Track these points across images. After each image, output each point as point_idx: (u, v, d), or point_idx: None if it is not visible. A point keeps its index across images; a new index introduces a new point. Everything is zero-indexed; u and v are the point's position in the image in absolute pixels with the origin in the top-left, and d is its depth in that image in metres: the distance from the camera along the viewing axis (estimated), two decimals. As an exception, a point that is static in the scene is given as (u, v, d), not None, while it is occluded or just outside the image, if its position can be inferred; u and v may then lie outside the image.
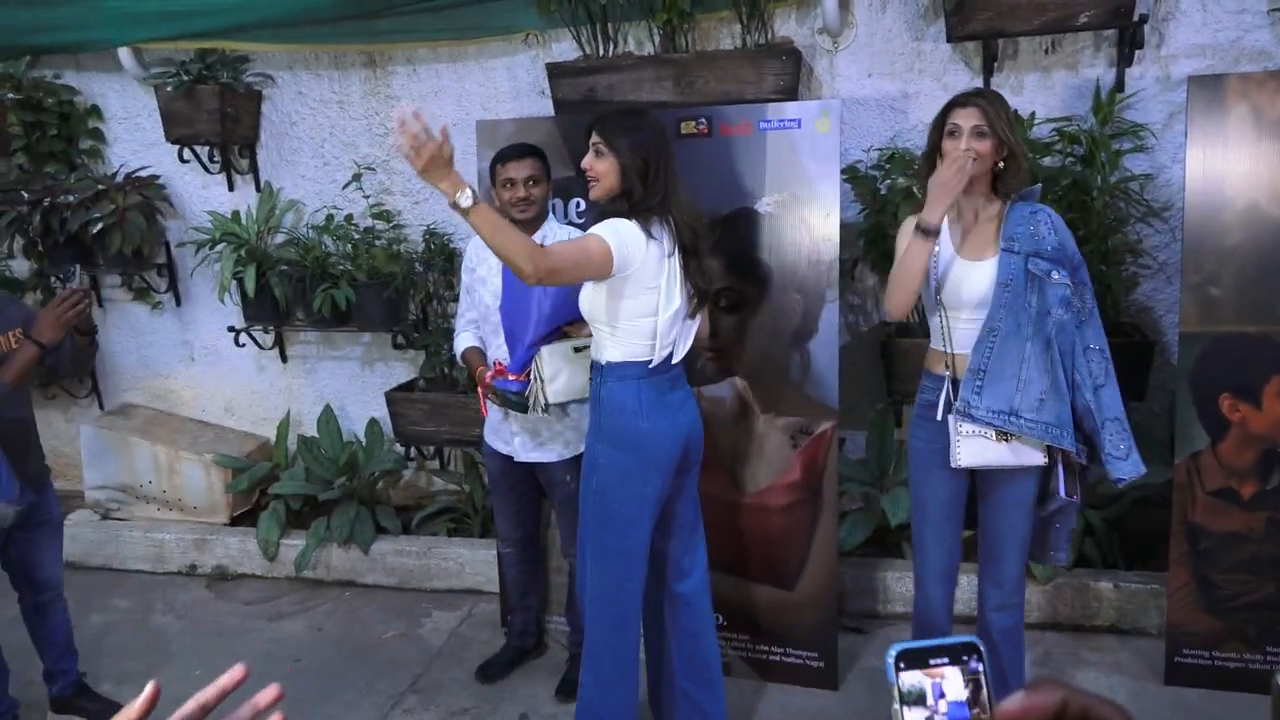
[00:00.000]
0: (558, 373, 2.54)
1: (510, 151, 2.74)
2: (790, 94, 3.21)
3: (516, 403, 2.59)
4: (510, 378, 2.62)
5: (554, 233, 2.78)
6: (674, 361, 2.35)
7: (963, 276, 2.30)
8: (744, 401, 2.99)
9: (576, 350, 2.62)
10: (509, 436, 2.84)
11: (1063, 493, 2.31)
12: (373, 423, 4.07)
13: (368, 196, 3.78)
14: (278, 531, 3.85)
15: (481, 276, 2.79)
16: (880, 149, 3.28)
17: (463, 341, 2.90)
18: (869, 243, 3.26)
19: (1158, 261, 3.27)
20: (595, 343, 2.36)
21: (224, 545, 3.94)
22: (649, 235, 2.22)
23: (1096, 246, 3.09)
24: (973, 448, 2.28)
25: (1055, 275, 2.23)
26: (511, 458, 2.85)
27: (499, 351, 2.77)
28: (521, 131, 3.13)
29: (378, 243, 3.75)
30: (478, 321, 2.88)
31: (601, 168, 2.25)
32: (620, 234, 2.19)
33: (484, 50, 3.68)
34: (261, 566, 3.89)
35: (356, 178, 3.72)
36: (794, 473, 2.96)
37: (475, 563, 3.67)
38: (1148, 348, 3.14)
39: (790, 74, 3.20)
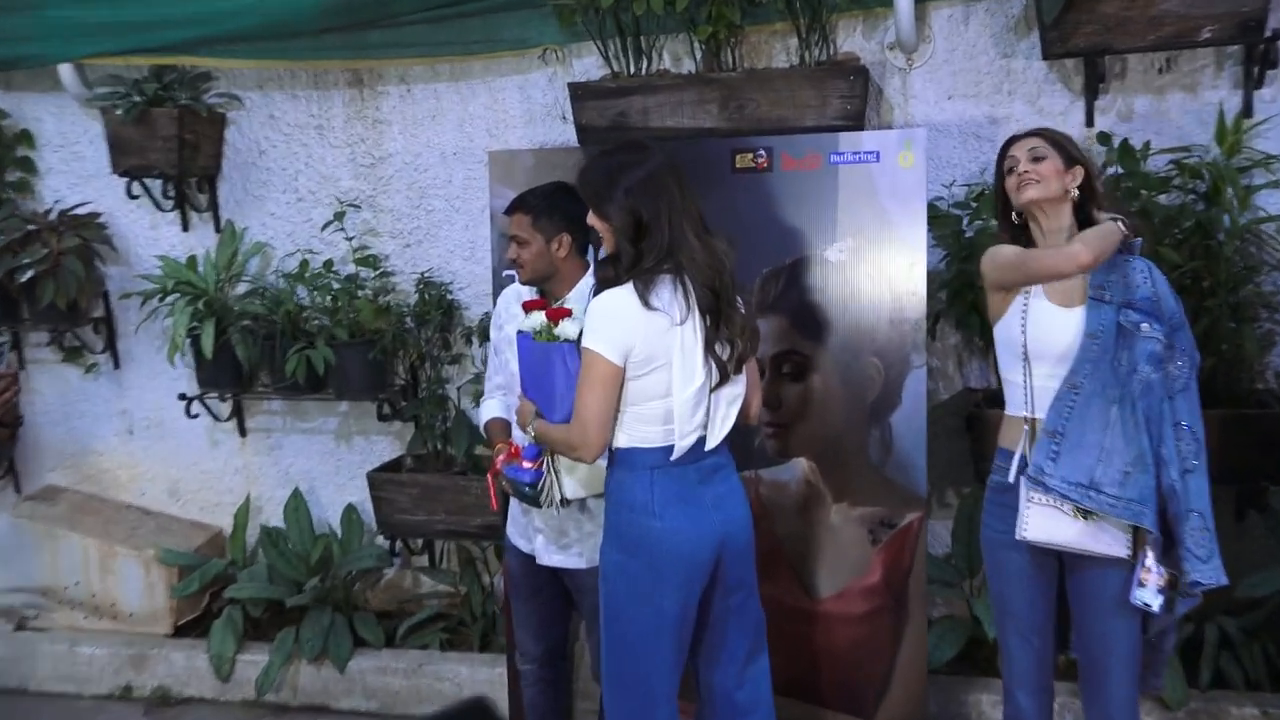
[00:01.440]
0: (576, 463, 2.51)
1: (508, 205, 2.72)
2: (857, 119, 3.22)
3: (529, 495, 2.57)
4: (525, 465, 2.57)
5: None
6: (708, 448, 2.32)
7: (1049, 323, 2.36)
8: (812, 487, 2.99)
9: None
10: (530, 533, 2.79)
11: (1144, 594, 2.26)
12: (350, 510, 4.03)
13: (350, 239, 3.79)
14: (233, 645, 3.78)
15: (509, 336, 2.77)
16: (965, 184, 3.29)
17: (488, 410, 2.87)
18: (953, 294, 3.26)
19: (1298, 317, 3.26)
20: None
21: (167, 662, 3.87)
22: (646, 305, 2.20)
23: (1224, 299, 3.08)
24: (1043, 520, 2.30)
25: (1146, 327, 2.28)
26: (534, 558, 2.80)
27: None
28: (542, 164, 3.15)
29: (361, 293, 3.75)
30: (505, 388, 2.85)
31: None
32: (603, 331, 2.21)
33: (492, 67, 3.72)
34: (213, 688, 3.81)
35: (338, 216, 3.73)
36: (873, 574, 2.95)
37: (476, 683, 3.60)
38: (1289, 419, 3.12)
39: (858, 96, 3.21)
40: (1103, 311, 2.30)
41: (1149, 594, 2.25)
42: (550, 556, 2.75)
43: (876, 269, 2.89)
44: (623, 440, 2.29)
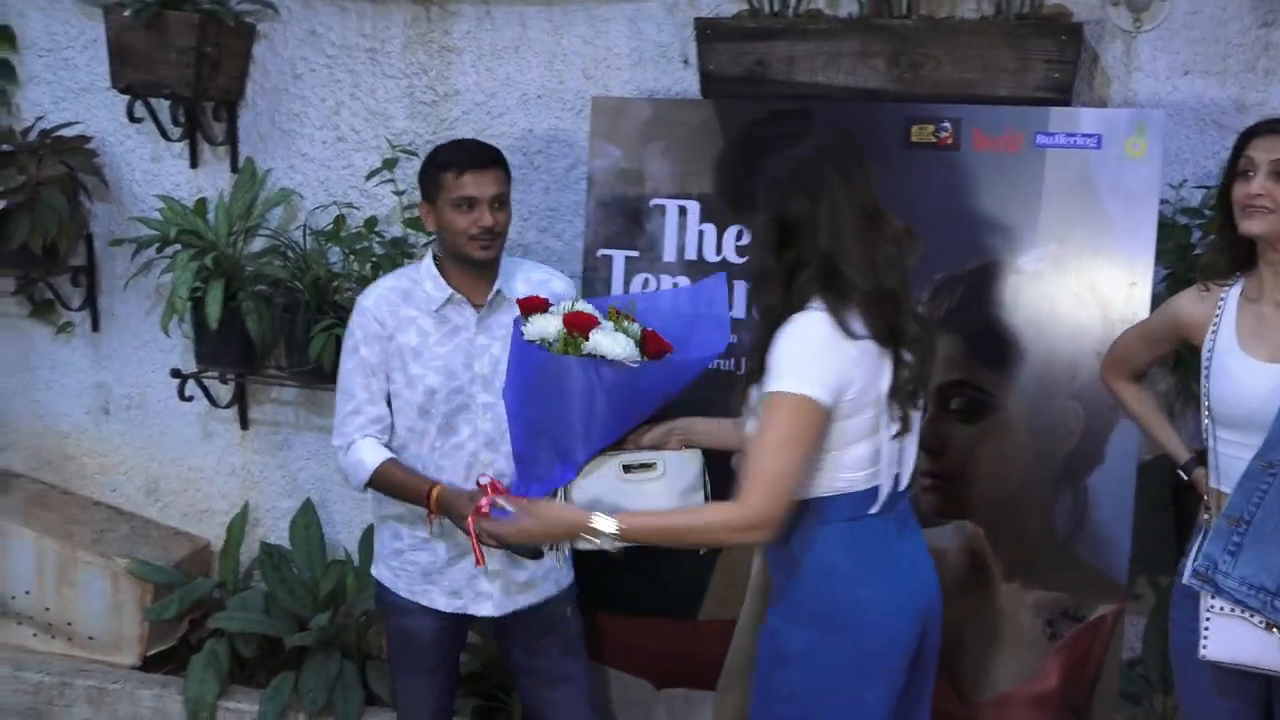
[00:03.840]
0: (593, 505, 2.44)
1: (466, 158, 2.79)
2: (1063, 91, 3.13)
3: (528, 549, 2.58)
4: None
5: (523, 278, 2.88)
6: (900, 489, 2.34)
7: (1240, 379, 2.32)
8: (977, 559, 2.95)
9: (628, 470, 2.54)
10: (467, 585, 2.86)
11: None
12: (371, 532, 3.91)
13: (400, 193, 3.73)
14: (216, 688, 3.76)
15: (411, 346, 2.80)
16: (1201, 185, 3.18)
17: (371, 454, 2.82)
18: (1171, 325, 3.14)
19: None
20: None
21: (131, 700, 3.85)
22: (848, 333, 2.17)
23: None
24: (1229, 633, 2.28)
25: None
26: (458, 617, 2.88)
27: (448, 463, 2.80)
28: (661, 118, 3.12)
29: (408, 262, 3.67)
30: (385, 422, 2.86)
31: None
32: (809, 370, 2.15)
33: (596, -8, 3.66)
34: (186, 739, 3.79)
35: (388, 164, 3.68)
36: (1048, 678, 2.89)
37: (514, 763, 3.53)
38: None
39: (1069, 62, 3.12)
40: None
41: None
42: (515, 601, 2.87)
43: (1085, 285, 2.83)
44: (816, 489, 2.24)
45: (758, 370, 2.21)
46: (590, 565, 3.13)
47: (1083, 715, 2.84)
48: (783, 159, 2.24)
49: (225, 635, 3.83)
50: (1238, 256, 2.43)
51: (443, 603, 2.88)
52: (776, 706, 2.29)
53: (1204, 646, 2.31)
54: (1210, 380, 2.38)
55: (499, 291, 2.80)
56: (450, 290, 2.79)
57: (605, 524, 2.24)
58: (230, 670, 3.80)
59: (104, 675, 3.91)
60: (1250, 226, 2.32)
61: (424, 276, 2.82)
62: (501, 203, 2.79)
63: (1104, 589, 2.82)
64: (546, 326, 2.43)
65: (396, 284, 2.87)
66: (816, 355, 2.15)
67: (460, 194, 2.73)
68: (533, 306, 2.50)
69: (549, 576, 2.92)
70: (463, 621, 2.95)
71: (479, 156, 2.79)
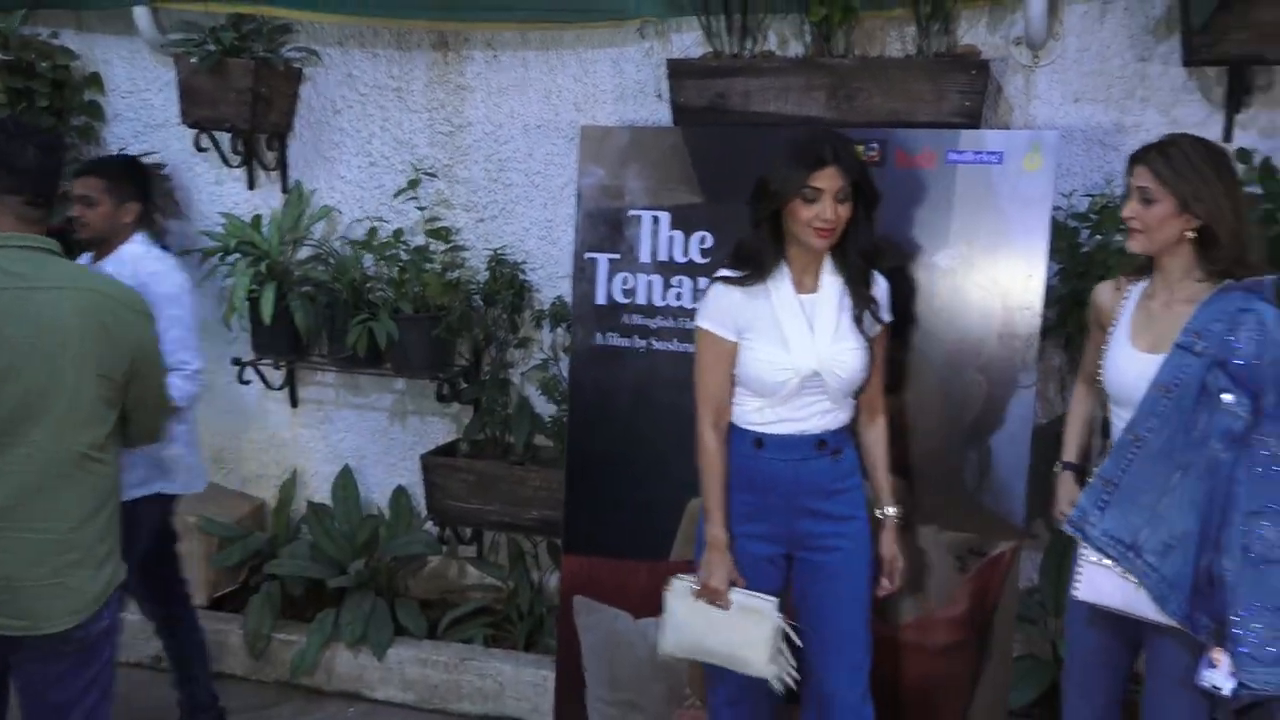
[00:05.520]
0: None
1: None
2: (974, 117, 3.15)
3: None
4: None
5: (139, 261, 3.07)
6: None
7: (1124, 366, 2.30)
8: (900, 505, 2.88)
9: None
10: None
11: (1214, 676, 2.15)
12: (400, 492, 4.02)
13: (423, 209, 3.77)
14: (270, 622, 3.79)
15: None
16: (1088, 194, 3.20)
17: None
18: (1063, 313, 3.17)
19: None
20: None
21: (201, 634, 3.86)
22: None
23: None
24: (1096, 579, 2.26)
25: (1228, 399, 2.14)
26: None
27: None
28: (637, 143, 3.13)
29: (429, 267, 3.73)
30: None
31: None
32: None
33: (585, 38, 3.67)
34: (245, 665, 3.82)
35: (412, 184, 3.70)
36: (958, 605, 2.89)
37: (519, 684, 3.58)
38: None
39: (978, 92, 3.14)
40: (1187, 363, 2.18)
41: (1220, 677, 2.13)
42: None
43: (989, 279, 2.83)
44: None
45: None
46: (580, 513, 3.20)
47: (986, 634, 2.85)
48: None
49: (277, 579, 3.86)
50: (1146, 265, 2.38)
51: None
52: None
53: (1075, 588, 2.31)
54: (1105, 362, 2.37)
55: None
56: None
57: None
58: (282, 608, 3.83)
59: (178, 614, 3.95)
60: (1129, 245, 2.31)
61: None
62: (89, 203, 3.02)
63: (1003, 530, 2.83)
64: None
65: None
66: None
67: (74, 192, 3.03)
68: None
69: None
70: None
71: (83, 168, 3.12)
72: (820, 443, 2.48)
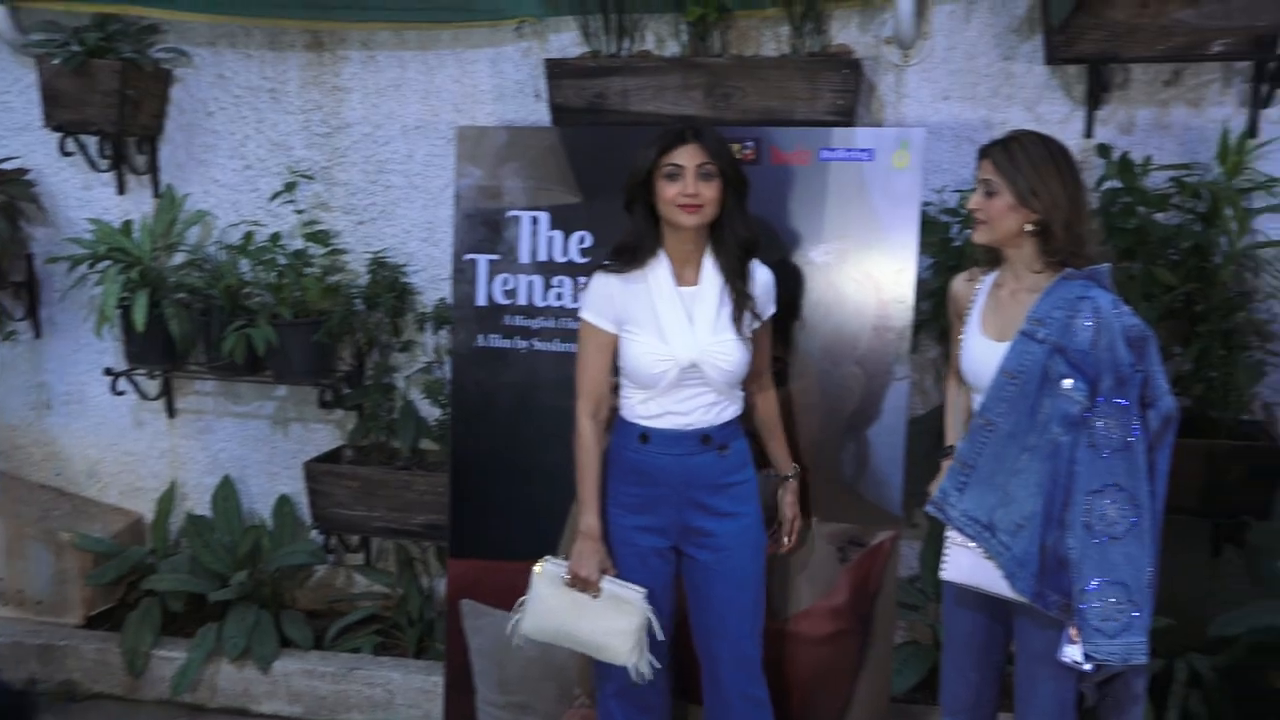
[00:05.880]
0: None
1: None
2: (847, 115, 3.21)
3: None
4: None
5: None
6: None
7: (976, 354, 2.37)
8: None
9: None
10: None
11: (1074, 652, 2.23)
12: (283, 501, 3.96)
13: (300, 212, 3.72)
14: (150, 639, 3.69)
15: None
16: (957, 190, 3.28)
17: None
18: (937, 305, 3.24)
19: (1291, 349, 3.28)
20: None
21: (76, 655, 3.76)
22: None
23: (1217, 325, 3.10)
24: (959, 559, 2.33)
25: (1068, 384, 2.20)
26: None
27: None
28: (515, 143, 3.11)
29: (309, 271, 3.68)
30: None
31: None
32: None
33: (462, 38, 3.65)
34: (124, 685, 3.72)
35: (288, 187, 3.66)
36: (840, 594, 2.93)
37: (409, 691, 3.54)
38: (1276, 453, 3.13)
39: (851, 91, 3.20)
40: (1030, 350, 2.24)
41: (1078, 651, 2.21)
42: None
43: (863, 274, 2.88)
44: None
45: None
46: (465, 517, 3.18)
47: (868, 622, 2.90)
48: None
49: (156, 595, 3.77)
50: (997, 256, 2.42)
51: None
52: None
53: (942, 568, 2.39)
54: (961, 350, 2.43)
55: None
56: None
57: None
58: (162, 624, 3.74)
59: (52, 634, 3.82)
60: (974, 236, 2.36)
61: None
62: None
63: (882, 519, 2.88)
64: None
65: None
66: None
67: None
68: None
69: None
70: None
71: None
72: (705, 438, 2.52)
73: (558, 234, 3.06)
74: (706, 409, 2.51)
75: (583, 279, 3.02)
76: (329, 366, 3.74)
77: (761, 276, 2.58)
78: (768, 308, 2.60)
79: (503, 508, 3.12)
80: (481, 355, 3.13)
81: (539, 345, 3.08)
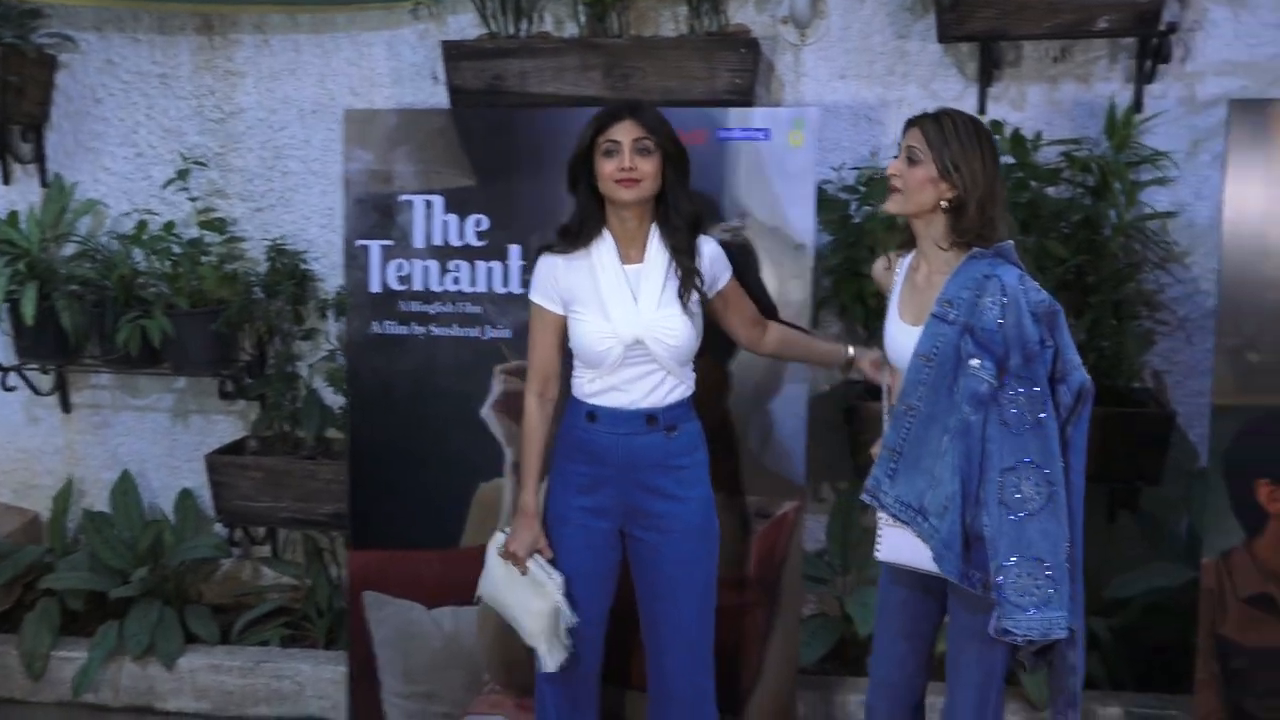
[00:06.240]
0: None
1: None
2: (746, 94, 3.24)
3: None
4: None
5: None
6: None
7: (894, 339, 2.38)
8: None
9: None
10: None
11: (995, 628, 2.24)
12: (185, 495, 3.90)
13: (195, 199, 3.66)
14: (49, 639, 3.61)
15: None
16: (855, 167, 3.33)
17: None
18: (837, 281, 3.29)
19: (1177, 317, 3.38)
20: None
21: (-28, 658, 3.67)
22: None
23: (1108, 296, 3.18)
24: (894, 541, 2.33)
25: (975, 363, 2.20)
26: None
27: None
28: (406, 125, 3.08)
29: (205, 259, 3.63)
30: None
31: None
32: None
33: (358, 20, 3.62)
34: (23, 688, 3.63)
35: (182, 175, 3.59)
36: (746, 564, 2.95)
37: (319, 682, 3.51)
38: (1165, 420, 3.23)
39: (749, 70, 3.24)
40: (942, 331, 2.25)
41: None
42: None
43: (762, 251, 2.89)
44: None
45: None
46: (366, 507, 3.16)
47: (774, 593, 2.93)
48: None
49: (55, 594, 3.68)
50: (913, 236, 2.41)
51: None
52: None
53: (877, 549, 2.38)
54: (884, 336, 2.43)
55: None
56: None
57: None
58: (62, 623, 3.65)
59: (-55, 638, 3.72)
60: (886, 205, 2.35)
61: None
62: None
63: (786, 491, 2.91)
64: None
65: None
66: None
67: None
68: None
69: None
70: None
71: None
72: (650, 418, 2.52)
73: (453, 218, 3.03)
74: (654, 389, 2.52)
75: (480, 263, 3.02)
76: (229, 356, 3.69)
77: (708, 250, 2.61)
78: (723, 274, 2.62)
79: (404, 496, 3.10)
80: (377, 342, 3.10)
81: (436, 331, 3.06)
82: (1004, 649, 2.31)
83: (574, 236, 2.53)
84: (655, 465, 2.54)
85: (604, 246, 2.52)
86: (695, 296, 2.53)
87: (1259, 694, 2.85)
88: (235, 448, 3.74)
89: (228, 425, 3.92)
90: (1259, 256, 2.77)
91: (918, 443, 2.28)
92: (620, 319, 2.48)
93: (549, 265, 2.55)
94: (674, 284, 2.52)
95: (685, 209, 2.52)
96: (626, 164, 2.42)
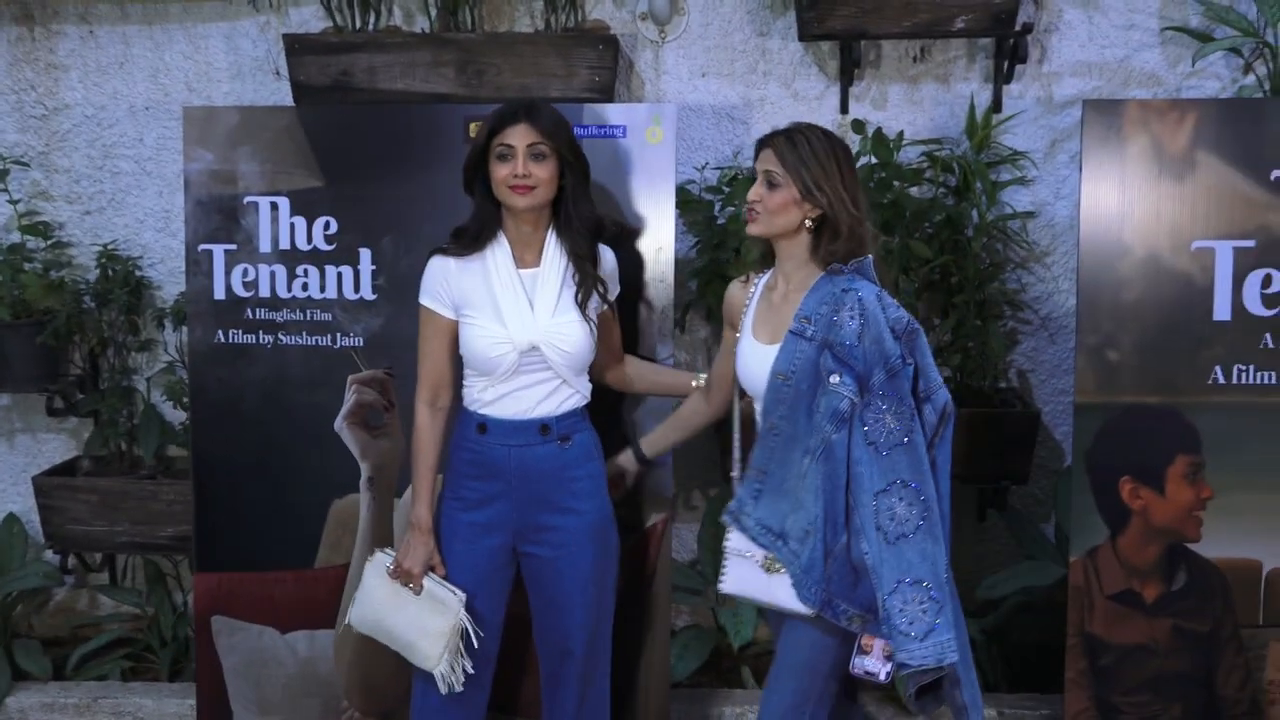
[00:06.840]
0: None
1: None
2: (605, 92, 3.20)
3: None
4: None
5: None
6: None
7: (749, 360, 2.33)
8: None
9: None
10: None
11: (866, 663, 2.21)
12: (11, 520, 3.68)
13: (16, 202, 3.48)
14: None
15: None
16: (719, 167, 3.31)
17: None
18: (703, 284, 3.26)
19: (1040, 316, 3.44)
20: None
21: None
22: None
23: (971, 296, 3.21)
24: (739, 571, 2.29)
25: (835, 380, 2.19)
26: None
27: None
28: (249, 124, 2.94)
29: (29, 266, 3.46)
30: None
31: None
32: None
33: (193, 11, 3.48)
34: None
35: (1, 176, 3.42)
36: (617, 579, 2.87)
37: (164, 716, 3.35)
38: (1031, 419, 3.28)
39: (607, 68, 3.19)
40: (799, 348, 2.22)
41: (873, 662, 2.18)
42: None
43: (624, 252, 2.82)
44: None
45: None
46: (212, 527, 3.01)
47: (644, 607, 2.88)
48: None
49: None
50: (772, 252, 2.37)
51: None
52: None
53: (722, 581, 2.33)
54: (737, 358, 2.38)
55: None
56: None
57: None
58: (-127, 665, 3.42)
59: None
60: (748, 229, 2.30)
61: None
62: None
63: (654, 502, 2.86)
64: None
65: None
66: None
67: None
68: None
69: None
70: None
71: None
72: (544, 428, 2.46)
73: (300, 220, 2.91)
74: (547, 397, 2.46)
75: (330, 268, 2.90)
76: (57, 371, 3.53)
77: (608, 258, 2.56)
78: (613, 290, 2.57)
79: (253, 515, 2.96)
80: (222, 352, 2.95)
81: (285, 339, 2.93)
82: (836, 656, 2.27)
83: (471, 239, 2.46)
84: (549, 477, 2.48)
85: (499, 250, 2.46)
86: (595, 303, 2.49)
87: (1125, 689, 2.91)
88: (66, 468, 3.58)
89: (58, 445, 3.75)
90: (1115, 256, 2.81)
91: (781, 464, 2.25)
92: (515, 324, 2.41)
93: (440, 267, 2.47)
94: (570, 290, 2.47)
95: (585, 213, 2.48)
96: (520, 170, 2.36)
